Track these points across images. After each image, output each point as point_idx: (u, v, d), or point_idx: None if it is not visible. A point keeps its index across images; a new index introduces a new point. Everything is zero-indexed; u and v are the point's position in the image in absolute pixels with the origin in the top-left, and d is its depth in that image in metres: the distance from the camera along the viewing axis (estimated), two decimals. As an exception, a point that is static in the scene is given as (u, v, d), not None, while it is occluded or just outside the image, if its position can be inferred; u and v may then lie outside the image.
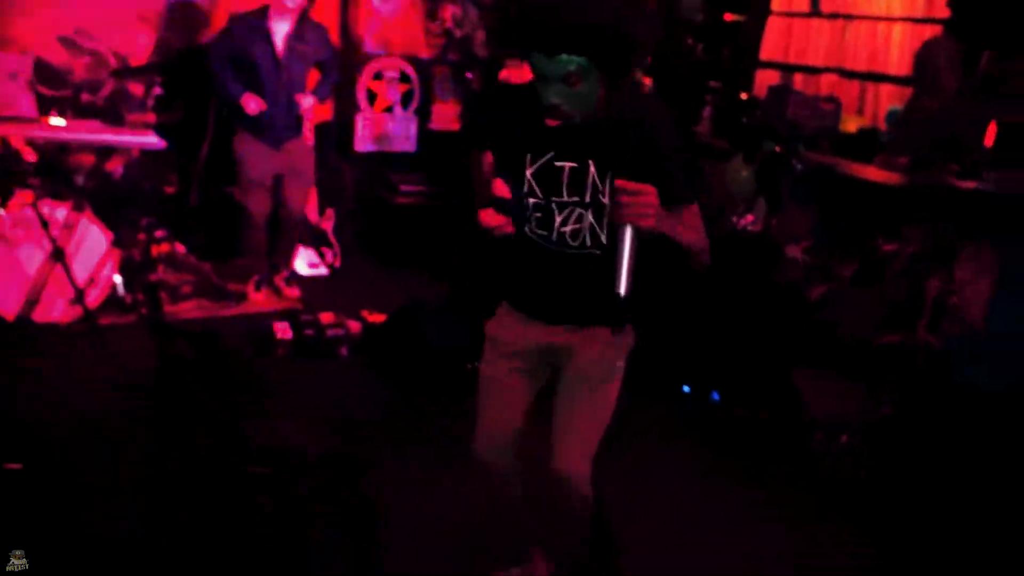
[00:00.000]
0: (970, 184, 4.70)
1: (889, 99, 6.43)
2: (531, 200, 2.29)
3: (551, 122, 2.15)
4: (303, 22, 5.06)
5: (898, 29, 6.47)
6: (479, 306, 4.22)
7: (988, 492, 3.65)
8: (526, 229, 2.35)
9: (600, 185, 2.21)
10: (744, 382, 4.40)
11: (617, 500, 2.68)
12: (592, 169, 2.20)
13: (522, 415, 2.56)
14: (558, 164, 2.23)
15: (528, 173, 2.25)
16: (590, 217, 2.26)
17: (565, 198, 2.24)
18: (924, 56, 5.15)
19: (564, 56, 1.97)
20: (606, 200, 2.21)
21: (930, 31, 6.01)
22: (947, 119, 5.03)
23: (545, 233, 2.30)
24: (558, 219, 2.27)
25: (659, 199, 2.04)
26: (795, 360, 4.59)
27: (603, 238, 2.27)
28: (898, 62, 6.38)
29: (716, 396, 4.36)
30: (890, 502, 3.69)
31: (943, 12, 5.88)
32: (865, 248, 5.48)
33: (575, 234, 2.28)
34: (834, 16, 6.85)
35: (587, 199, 2.23)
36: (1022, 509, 3.51)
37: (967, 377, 4.50)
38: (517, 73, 4.92)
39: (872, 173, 5.31)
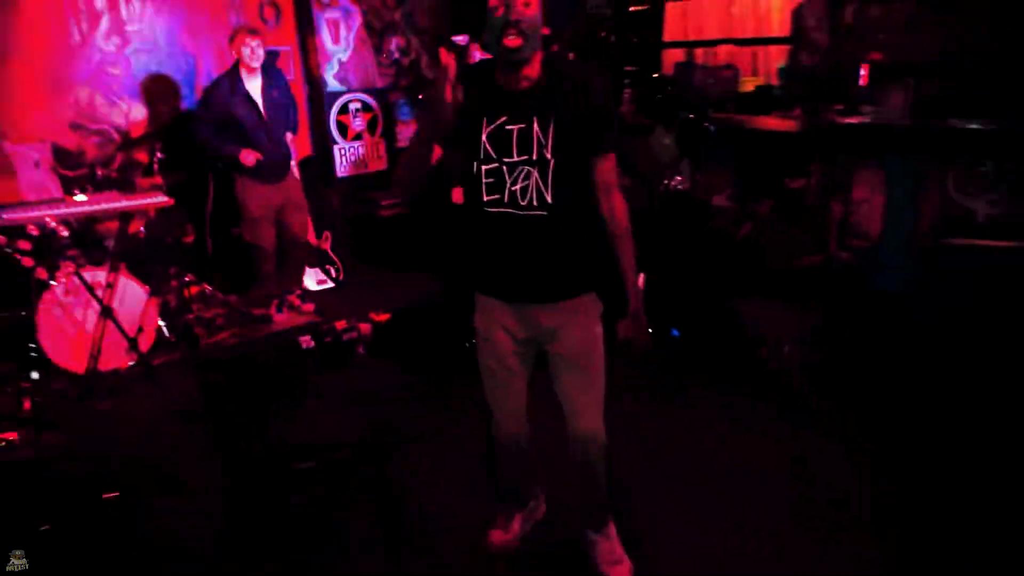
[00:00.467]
0: (853, 119, 4.80)
1: (777, 58, 6.38)
2: (485, 167, 2.30)
3: (509, 41, 2.14)
4: (269, 73, 5.05)
5: None
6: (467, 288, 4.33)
7: (900, 366, 3.86)
8: (483, 199, 2.34)
9: (544, 141, 2.24)
10: (696, 317, 4.49)
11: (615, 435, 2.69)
12: (536, 127, 2.23)
13: (526, 389, 2.60)
14: (508, 128, 2.25)
15: (483, 137, 2.28)
16: (536, 174, 2.26)
17: (515, 158, 2.26)
18: (796, 19, 5.22)
19: None
20: (549, 156, 2.24)
21: None
22: (825, 70, 5.14)
23: (497, 196, 2.31)
24: (508, 179, 2.28)
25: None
26: (734, 290, 4.68)
27: (548, 197, 2.28)
28: (780, 25, 6.31)
29: (676, 333, 4.44)
30: (831, 396, 3.81)
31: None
32: (776, 187, 5.63)
33: (524, 191, 2.28)
34: (719, -6, 6.91)
35: (534, 156, 2.25)
36: (920, 383, 3.71)
37: (872, 277, 4.67)
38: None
39: (772, 123, 5.37)
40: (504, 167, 2.28)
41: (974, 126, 4.15)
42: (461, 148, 2.35)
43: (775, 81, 6.33)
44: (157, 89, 5.71)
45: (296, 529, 2.96)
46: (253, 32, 4.91)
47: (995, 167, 4.10)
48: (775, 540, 2.82)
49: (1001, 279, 3.93)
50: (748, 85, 6.41)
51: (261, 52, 4.93)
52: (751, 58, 6.69)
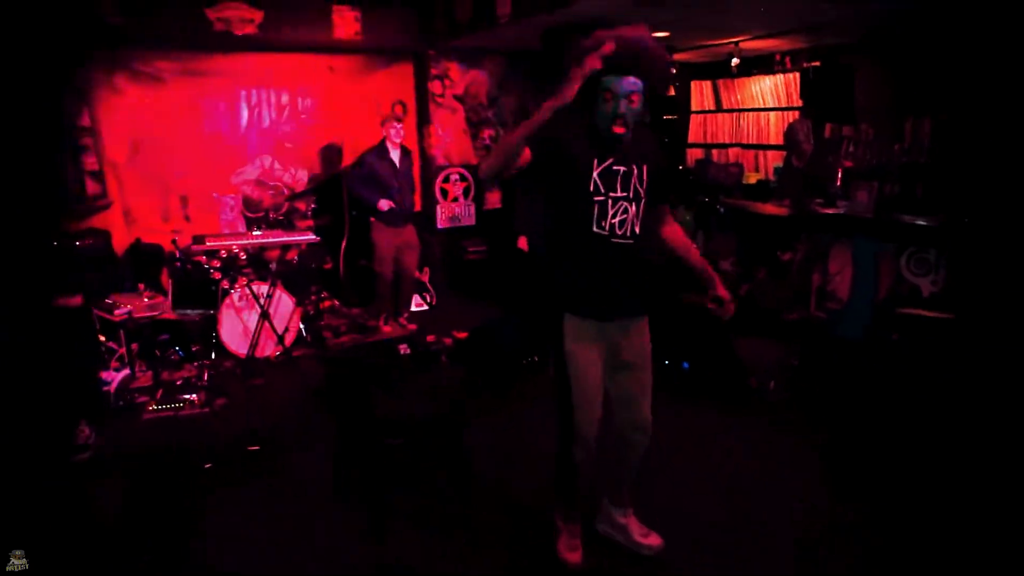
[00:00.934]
0: (830, 210, 4.76)
1: (773, 160, 6.44)
2: (595, 197, 2.14)
3: (617, 129, 2.04)
4: (403, 149, 5.20)
5: (773, 115, 6.49)
6: (533, 318, 4.31)
7: (858, 399, 3.80)
8: (592, 227, 2.16)
9: (640, 184, 2.16)
10: (702, 352, 4.41)
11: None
12: (635, 172, 2.16)
13: (603, 397, 2.37)
14: (615, 168, 2.14)
15: (595, 174, 2.13)
16: (632, 208, 2.17)
17: (619, 193, 2.15)
18: (789, 132, 5.13)
19: (634, 79, 2.01)
20: (643, 195, 2.17)
21: (792, 115, 6.06)
22: (810, 172, 5.10)
23: (601, 224, 2.16)
24: (611, 211, 2.15)
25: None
26: (735, 333, 4.60)
27: (637, 229, 2.19)
28: (776, 136, 6.41)
29: (686, 366, 4.35)
30: (804, 415, 3.80)
31: (799, 102, 6.00)
32: (770, 257, 5.58)
33: (622, 223, 2.16)
34: (732, 110, 6.88)
35: (631, 194, 2.16)
36: (873, 403, 3.67)
37: (841, 332, 4.58)
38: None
39: (769, 209, 5.27)
40: (610, 200, 2.16)
41: (921, 222, 4.09)
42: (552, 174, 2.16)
43: (772, 177, 6.35)
44: (316, 159, 5.98)
45: (388, 480, 3.00)
46: (399, 120, 5.15)
47: (936, 255, 4.01)
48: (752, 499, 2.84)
49: (938, 340, 3.85)
50: (752, 179, 6.41)
51: (403, 133, 5.14)
52: (754, 158, 6.70)
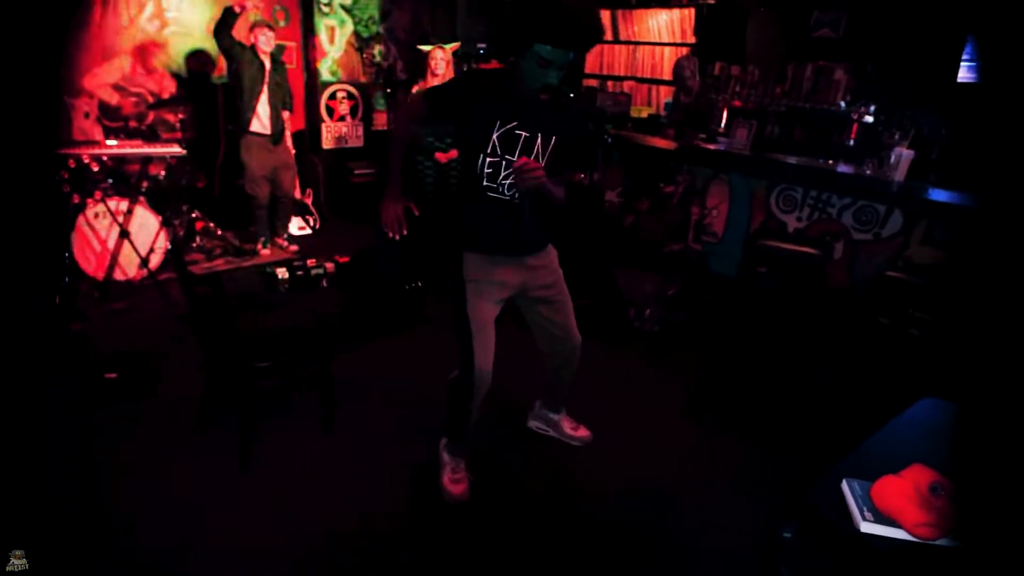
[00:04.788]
0: (712, 146, 4.88)
1: (665, 95, 6.50)
2: (489, 159, 2.11)
3: (543, 96, 1.99)
4: (274, 59, 4.87)
5: (668, 51, 6.50)
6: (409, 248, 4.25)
7: (724, 327, 4.02)
8: (483, 184, 2.15)
9: (541, 153, 2.11)
10: (584, 280, 4.56)
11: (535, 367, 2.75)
12: (539, 139, 2.10)
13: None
14: (517, 132, 2.09)
15: (494, 136, 2.08)
16: None
17: (515, 157, 2.10)
18: (677, 69, 5.18)
19: (571, 53, 1.94)
20: (542, 163, 2.10)
21: (684, 51, 6.12)
22: (695, 108, 5.19)
23: (493, 184, 2.15)
24: (503, 173, 2.12)
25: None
26: (616, 263, 4.74)
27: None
28: (669, 71, 6.37)
29: None
30: (675, 344, 3.98)
31: (691, 39, 6.05)
32: (653, 190, 5.71)
33: (512, 185, 2.13)
34: (628, 42, 6.82)
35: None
36: (734, 332, 3.90)
37: (716, 268, 4.81)
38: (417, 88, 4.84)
39: (656, 142, 5.30)
40: (504, 162, 2.12)
41: (792, 161, 4.28)
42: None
43: (663, 112, 6.41)
44: (185, 64, 5.47)
45: (256, 406, 2.86)
46: (269, 26, 4.79)
47: (803, 193, 4.23)
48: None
49: (798, 270, 4.11)
50: (644, 113, 6.47)
51: (273, 42, 4.80)
52: (647, 92, 6.75)
